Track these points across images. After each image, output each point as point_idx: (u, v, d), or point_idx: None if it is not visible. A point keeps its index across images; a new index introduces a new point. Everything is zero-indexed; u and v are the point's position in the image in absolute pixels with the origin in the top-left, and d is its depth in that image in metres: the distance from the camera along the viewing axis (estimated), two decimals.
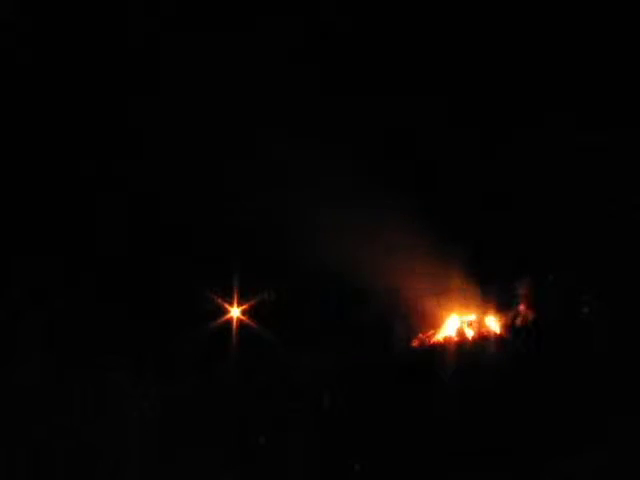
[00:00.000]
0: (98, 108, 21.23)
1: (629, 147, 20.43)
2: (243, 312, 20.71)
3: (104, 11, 20.69)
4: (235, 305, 20.70)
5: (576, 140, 20.78)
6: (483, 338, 21.97)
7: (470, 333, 22.24)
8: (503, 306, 21.93)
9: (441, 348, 21.81)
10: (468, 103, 21.42)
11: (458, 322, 22.33)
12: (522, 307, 21.53)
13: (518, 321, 21.56)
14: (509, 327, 21.71)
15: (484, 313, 22.25)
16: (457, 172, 21.60)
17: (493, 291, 21.90)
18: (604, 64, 20.78)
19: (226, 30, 21.06)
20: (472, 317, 22.37)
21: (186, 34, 21.04)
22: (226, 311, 20.69)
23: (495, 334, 21.99)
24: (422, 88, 21.31)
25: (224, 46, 20.94)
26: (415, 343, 21.88)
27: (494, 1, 21.04)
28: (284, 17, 21.00)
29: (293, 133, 20.80)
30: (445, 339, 22.13)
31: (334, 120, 21.14)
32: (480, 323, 22.28)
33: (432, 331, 22.19)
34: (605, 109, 20.67)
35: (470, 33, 21.09)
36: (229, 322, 20.67)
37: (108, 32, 20.76)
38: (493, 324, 22.19)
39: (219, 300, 20.61)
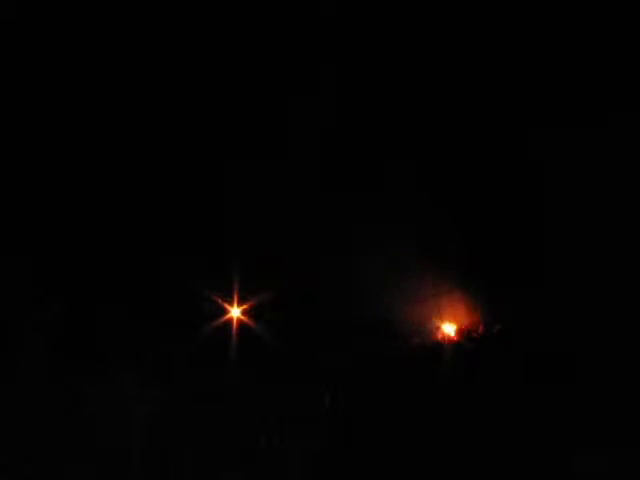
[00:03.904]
0: (97, 107, 21.23)
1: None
2: (243, 312, 20.69)
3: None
4: (235, 305, 20.64)
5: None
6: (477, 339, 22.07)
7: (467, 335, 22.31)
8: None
9: (440, 349, 21.89)
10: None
11: (455, 324, 22.37)
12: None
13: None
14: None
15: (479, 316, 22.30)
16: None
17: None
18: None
19: None
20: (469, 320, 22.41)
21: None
22: (226, 311, 20.64)
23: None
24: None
25: None
26: (415, 343, 21.93)
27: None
28: None
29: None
30: (444, 340, 22.17)
31: None
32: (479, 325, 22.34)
33: (431, 331, 22.23)
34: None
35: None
36: (229, 322, 20.64)
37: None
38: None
39: (219, 300, 20.58)
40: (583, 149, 20.62)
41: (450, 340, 22.08)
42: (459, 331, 22.23)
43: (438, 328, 22.16)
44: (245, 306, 20.68)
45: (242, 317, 20.70)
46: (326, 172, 21.11)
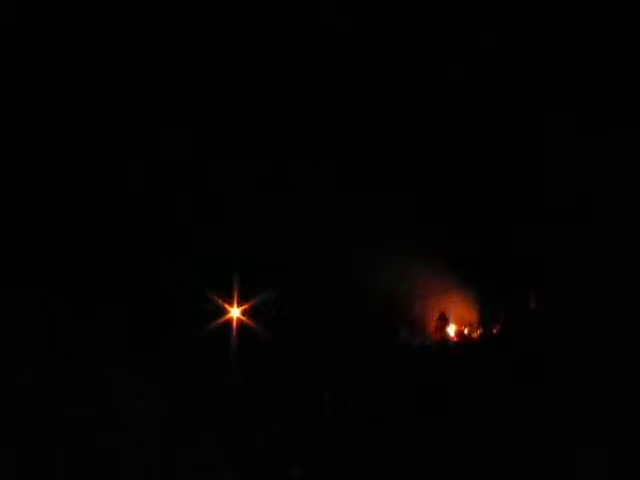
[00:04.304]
0: (96, 107, 21.23)
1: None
2: (243, 312, 20.67)
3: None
4: (235, 305, 20.63)
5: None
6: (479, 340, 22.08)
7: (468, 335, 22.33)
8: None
9: (441, 348, 21.91)
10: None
11: (457, 324, 22.39)
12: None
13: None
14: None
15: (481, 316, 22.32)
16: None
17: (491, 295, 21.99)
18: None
19: None
20: (471, 319, 22.43)
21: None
22: (226, 311, 20.63)
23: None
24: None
25: None
26: (416, 342, 21.96)
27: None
28: None
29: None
30: (444, 340, 22.20)
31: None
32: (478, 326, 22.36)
33: (432, 331, 22.26)
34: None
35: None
36: (229, 322, 20.62)
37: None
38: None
39: (219, 300, 20.56)
40: (583, 150, 20.68)
41: (450, 340, 22.11)
42: (459, 331, 22.26)
43: (438, 328, 22.20)
44: (245, 306, 20.66)
45: (242, 317, 20.68)
46: (326, 171, 21.15)
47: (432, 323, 22.06)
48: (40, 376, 19.32)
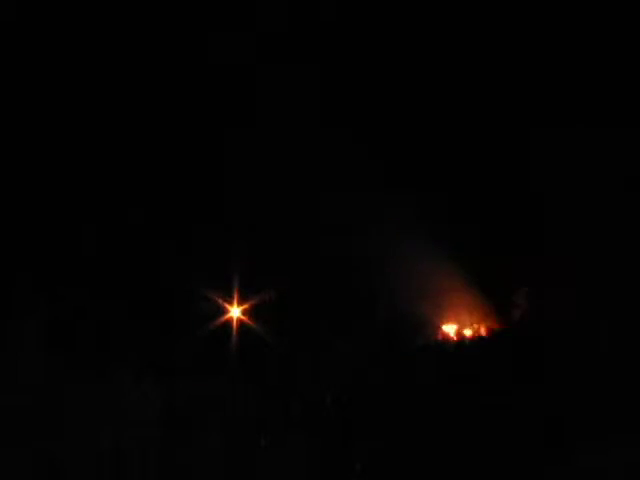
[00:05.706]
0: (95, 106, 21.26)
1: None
2: (243, 312, 20.67)
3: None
4: (235, 305, 20.63)
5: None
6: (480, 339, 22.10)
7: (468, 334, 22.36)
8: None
9: (441, 348, 21.93)
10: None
11: (457, 324, 22.42)
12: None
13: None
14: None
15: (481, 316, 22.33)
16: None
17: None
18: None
19: None
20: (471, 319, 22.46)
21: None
22: (226, 311, 20.63)
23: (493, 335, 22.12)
24: None
25: None
26: (416, 342, 21.96)
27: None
28: None
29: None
30: (444, 340, 22.21)
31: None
32: (478, 326, 22.37)
33: (432, 331, 22.28)
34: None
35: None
36: (229, 322, 20.62)
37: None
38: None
39: (219, 300, 20.56)
40: (583, 149, 20.73)
41: (450, 340, 22.12)
42: (459, 331, 22.28)
43: (438, 328, 22.21)
44: (245, 306, 20.66)
45: (242, 317, 20.68)
46: (327, 171, 21.18)
47: (433, 323, 22.10)
48: (39, 376, 19.30)
